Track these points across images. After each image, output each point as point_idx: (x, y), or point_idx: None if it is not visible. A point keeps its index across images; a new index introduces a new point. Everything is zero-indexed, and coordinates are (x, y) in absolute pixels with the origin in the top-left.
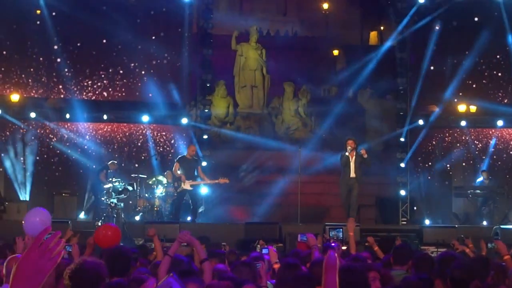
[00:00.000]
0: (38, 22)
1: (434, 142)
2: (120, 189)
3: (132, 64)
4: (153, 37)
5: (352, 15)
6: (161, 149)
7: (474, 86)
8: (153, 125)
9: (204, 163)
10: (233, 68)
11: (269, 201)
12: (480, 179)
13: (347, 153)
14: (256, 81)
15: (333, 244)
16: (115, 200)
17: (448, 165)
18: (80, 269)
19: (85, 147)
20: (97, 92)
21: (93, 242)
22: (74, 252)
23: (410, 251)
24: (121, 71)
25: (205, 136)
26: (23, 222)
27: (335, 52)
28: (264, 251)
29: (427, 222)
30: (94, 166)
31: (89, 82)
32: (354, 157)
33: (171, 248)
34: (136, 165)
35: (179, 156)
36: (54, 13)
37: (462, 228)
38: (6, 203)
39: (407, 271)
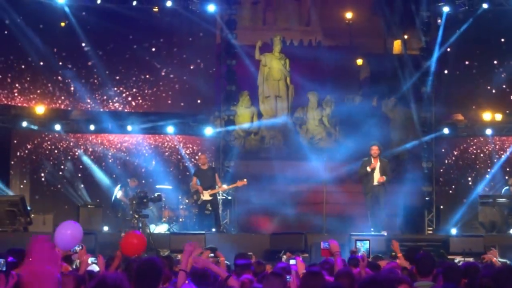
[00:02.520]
0: (63, 25)
1: (459, 151)
2: (144, 201)
3: (153, 78)
4: (177, 49)
5: (375, 24)
6: (183, 160)
7: (498, 94)
8: (177, 136)
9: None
10: (257, 79)
11: (294, 211)
12: (506, 187)
13: (369, 160)
14: (280, 91)
15: (359, 256)
16: (140, 211)
17: (474, 174)
18: (101, 284)
19: (110, 160)
20: (124, 102)
21: (121, 254)
22: (99, 264)
23: (433, 261)
24: (147, 81)
25: (230, 147)
26: (54, 234)
27: (359, 62)
28: (292, 261)
29: (453, 231)
30: (119, 184)
31: (117, 91)
32: (378, 163)
33: (182, 262)
34: (163, 179)
35: (195, 170)
36: (81, 21)
37: (489, 237)
38: (32, 215)
39: (433, 281)
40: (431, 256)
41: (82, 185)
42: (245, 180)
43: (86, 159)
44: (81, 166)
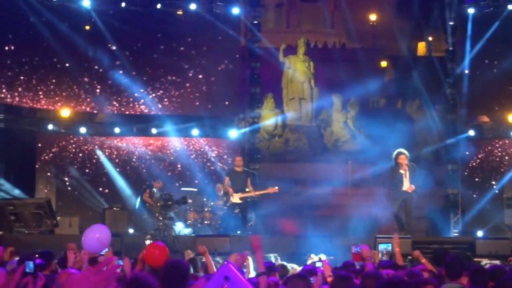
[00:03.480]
0: (87, 28)
1: (484, 153)
2: (170, 203)
3: (180, 79)
4: (201, 51)
5: (400, 26)
6: (209, 163)
7: None
8: (202, 139)
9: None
10: (281, 81)
11: (319, 213)
12: None
13: (401, 171)
14: (304, 93)
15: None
16: (165, 214)
17: (498, 176)
18: (134, 283)
19: (135, 163)
20: (150, 104)
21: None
22: (125, 266)
23: (462, 263)
24: (173, 83)
25: (254, 149)
26: (82, 237)
27: (383, 64)
28: (318, 264)
29: (479, 233)
30: (144, 186)
31: (144, 93)
32: (407, 171)
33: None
34: (188, 182)
35: (228, 170)
36: (106, 24)
37: None
38: (59, 217)
39: (462, 284)
40: (460, 258)
41: (107, 190)
42: (276, 187)
43: (106, 162)
44: (105, 170)
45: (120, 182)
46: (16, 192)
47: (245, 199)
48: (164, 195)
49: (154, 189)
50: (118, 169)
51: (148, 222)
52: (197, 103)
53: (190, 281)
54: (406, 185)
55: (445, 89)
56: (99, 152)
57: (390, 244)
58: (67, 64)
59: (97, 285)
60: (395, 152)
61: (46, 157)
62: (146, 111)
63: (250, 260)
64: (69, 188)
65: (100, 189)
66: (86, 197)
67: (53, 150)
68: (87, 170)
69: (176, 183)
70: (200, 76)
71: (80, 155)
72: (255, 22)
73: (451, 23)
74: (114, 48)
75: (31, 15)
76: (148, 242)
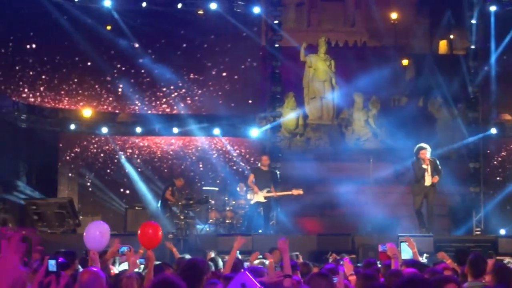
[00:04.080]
0: (109, 28)
1: (506, 151)
2: (191, 203)
3: (202, 78)
4: (222, 51)
5: (421, 24)
6: (230, 162)
7: None
8: (224, 138)
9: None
10: (302, 80)
11: (340, 212)
12: None
13: (423, 166)
14: (326, 92)
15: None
16: (187, 213)
17: None
18: (163, 283)
19: (157, 164)
20: (172, 103)
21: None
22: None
23: (485, 262)
24: (196, 82)
25: (275, 148)
26: (84, 239)
27: (405, 62)
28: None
29: (502, 232)
30: (167, 184)
31: (166, 91)
32: (429, 166)
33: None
34: (210, 181)
35: (254, 167)
36: (127, 23)
37: None
38: (81, 217)
39: (484, 282)
40: (484, 257)
41: (127, 191)
42: (301, 190)
43: (126, 163)
44: (127, 170)
45: (142, 187)
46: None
47: (270, 199)
48: (185, 194)
49: (175, 187)
50: (139, 170)
51: (170, 220)
52: (220, 102)
53: (213, 280)
54: (428, 180)
55: (467, 87)
56: (122, 157)
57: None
58: (89, 63)
59: None
60: (417, 147)
61: (68, 157)
62: (168, 110)
63: (271, 260)
64: (90, 189)
65: (121, 190)
66: (107, 198)
67: (75, 150)
68: (108, 171)
69: (198, 182)
70: (223, 75)
71: (102, 155)
72: (276, 21)
73: (473, 21)
74: (136, 46)
75: (52, 13)
76: (167, 243)
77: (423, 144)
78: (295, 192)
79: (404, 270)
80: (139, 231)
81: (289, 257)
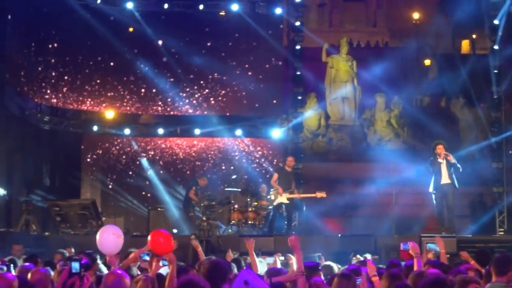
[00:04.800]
0: (131, 30)
1: None
2: (213, 203)
3: (226, 78)
4: (247, 49)
5: (443, 24)
6: (253, 163)
7: None
8: (246, 139)
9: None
10: (324, 81)
11: (363, 212)
12: None
13: (439, 160)
14: (347, 92)
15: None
16: (209, 214)
17: None
18: (188, 284)
19: (179, 165)
20: (194, 104)
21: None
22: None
23: (510, 261)
24: (218, 82)
25: (297, 149)
26: (98, 245)
27: (427, 62)
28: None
29: None
30: (190, 183)
31: (189, 92)
32: (444, 162)
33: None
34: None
35: (278, 168)
36: (150, 24)
37: None
38: (103, 218)
39: (508, 283)
40: (509, 256)
41: (149, 194)
42: (324, 193)
43: (148, 166)
44: (149, 172)
45: (162, 192)
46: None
47: (292, 200)
48: (208, 195)
49: (198, 186)
50: (161, 172)
51: (192, 221)
52: (245, 102)
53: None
54: (445, 177)
55: (489, 87)
56: (143, 159)
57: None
58: (111, 63)
59: None
60: (434, 143)
61: (90, 159)
62: (191, 111)
63: (293, 260)
64: (111, 192)
65: (143, 193)
66: (129, 200)
67: (97, 152)
68: (130, 173)
69: (221, 184)
70: (248, 74)
71: (124, 157)
72: (298, 22)
73: (496, 21)
74: (158, 47)
75: (74, 13)
76: (193, 242)
77: (439, 140)
78: (318, 194)
79: (428, 271)
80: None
81: (301, 254)
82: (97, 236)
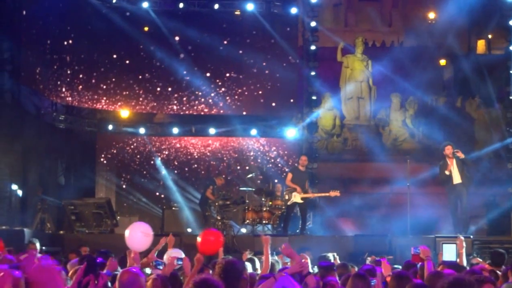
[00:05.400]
0: (146, 29)
1: None
2: (228, 203)
3: (242, 77)
4: (264, 47)
5: (458, 23)
6: (269, 164)
7: None
8: (260, 139)
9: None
10: (339, 80)
11: (378, 213)
12: None
13: (448, 162)
14: (363, 92)
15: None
16: (224, 214)
17: None
18: (203, 285)
19: (194, 165)
20: (210, 104)
21: (202, 257)
22: (185, 266)
23: None
24: (235, 81)
25: (312, 149)
26: (127, 240)
27: (442, 62)
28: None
29: None
30: (207, 182)
31: (205, 91)
32: (454, 163)
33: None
34: (248, 182)
35: (292, 167)
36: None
37: None
38: (118, 217)
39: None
40: None
41: (163, 194)
42: (338, 191)
43: (162, 166)
44: (163, 172)
45: (176, 193)
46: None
47: (306, 199)
48: (222, 195)
49: (216, 185)
50: (176, 172)
51: (208, 220)
52: (262, 101)
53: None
54: (457, 177)
55: (505, 87)
56: (158, 159)
57: (454, 245)
58: (127, 61)
59: None
60: (442, 146)
61: (105, 158)
62: (206, 110)
63: (308, 259)
64: (125, 191)
65: (157, 193)
66: (143, 199)
67: (111, 151)
68: (144, 172)
69: (236, 183)
70: (266, 72)
71: (138, 156)
72: (313, 22)
73: (511, 22)
74: (175, 44)
75: (89, 8)
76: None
77: (447, 141)
78: (332, 193)
79: (444, 271)
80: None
81: (298, 257)
82: (126, 232)
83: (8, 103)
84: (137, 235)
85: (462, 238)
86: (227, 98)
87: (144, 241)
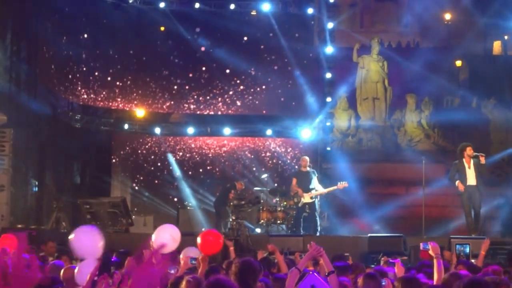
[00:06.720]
0: (162, 29)
1: None
2: (243, 203)
3: (257, 72)
4: (274, 52)
5: (474, 25)
6: (282, 163)
7: None
8: (276, 139)
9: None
10: (354, 81)
11: (392, 213)
12: None
13: (465, 163)
14: (378, 93)
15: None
16: (238, 214)
17: None
18: (216, 284)
19: (209, 166)
20: (225, 104)
21: (207, 258)
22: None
23: None
24: (253, 79)
25: (328, 149)
26: (154, 239)
27: (458, 63)
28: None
29: None
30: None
31: (221, 91)
32: (471, 164)
33: (302, 261)
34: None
35: (295, 171)
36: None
37: None
38: (133, 216)
39: None
40: None
41: (177, 195)
42: (345, 182)
43: (176, 166)
44: (177, 174)
45: (188, 194)
46: None
47: (315, 198)
48: (237, 194)
49: (236, 189)
50: (190, 172)
51: (222, 221)
52: (282, 100)
53: (263, 279)
54: (471, 179)
55: None
56: (172, 160)
57: (467, 245)
58: (144, 58)
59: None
60: (460, 146)
61: (120, 157)
62: (223, 109)
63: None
64: (139, 191)
65: (171, 196)
66: (158, 199)
67: (127, 150)
68: (158, 173)
69: (251, 184)
70: (274, 77)
71: (152, 156)
72: (330, 22)
73: None
74: (192, 42)
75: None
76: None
77: (468, 142)
78: (340, 186)
79: (460, 272)
80: (200, 238)
81: (326, 257)
82: (156, 231)
83: (24, 102)
84: (166, 236)
85: (488, 240)
86: (246, 96)
87: (171, 244)
